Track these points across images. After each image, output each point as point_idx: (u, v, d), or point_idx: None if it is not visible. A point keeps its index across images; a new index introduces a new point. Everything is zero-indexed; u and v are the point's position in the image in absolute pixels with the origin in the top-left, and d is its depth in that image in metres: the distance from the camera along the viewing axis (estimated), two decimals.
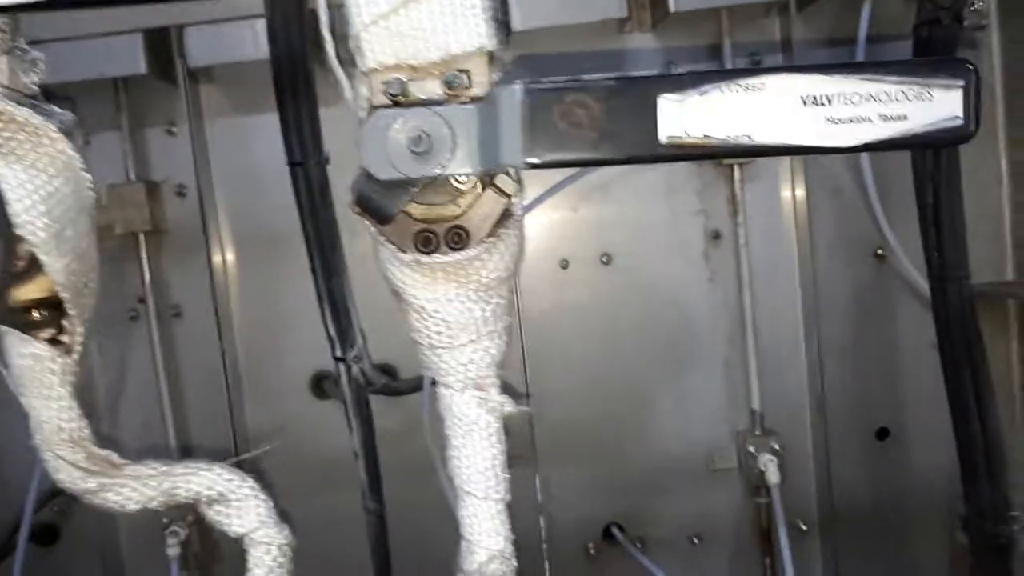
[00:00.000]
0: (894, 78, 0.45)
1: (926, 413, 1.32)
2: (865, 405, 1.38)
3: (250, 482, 0.73)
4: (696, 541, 1.40)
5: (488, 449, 0.73)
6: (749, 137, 0.47)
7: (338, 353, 1.13)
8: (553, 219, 1.34)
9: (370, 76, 0.61)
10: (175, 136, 1.32)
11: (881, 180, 1.27)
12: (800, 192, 1.34)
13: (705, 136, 0.47)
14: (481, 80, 0.58)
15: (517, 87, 0.49)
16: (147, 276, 1.34)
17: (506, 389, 0.75)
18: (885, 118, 0.46)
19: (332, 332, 1.13)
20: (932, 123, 0.46)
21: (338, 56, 0.61)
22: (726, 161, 1.30)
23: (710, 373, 1.39)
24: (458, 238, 0.64)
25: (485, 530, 0.74)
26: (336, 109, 1.18)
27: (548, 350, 1.34)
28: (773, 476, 1.32)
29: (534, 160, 0.50)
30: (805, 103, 0.46)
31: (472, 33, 0.57)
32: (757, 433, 1.37)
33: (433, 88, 0.59)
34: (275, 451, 1.38)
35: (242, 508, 0.71)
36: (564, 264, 1.36)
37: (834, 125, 0.46)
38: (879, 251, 1.35)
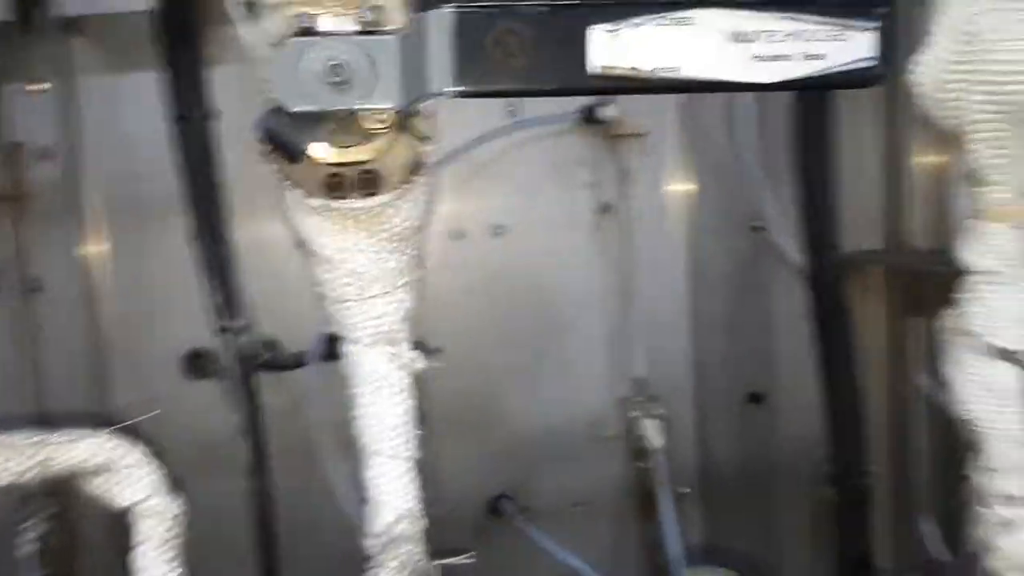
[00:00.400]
0: (815, 18, 0.47)
1: (797, 378, 1.39)
2: (740, 372, 1.45)
3: (141, 448, 0.68)
4: (579, 508, 1.42)
5: (399, 406, 0.71)
6: (676, 71, 0.47)
7: (224, 323, 1.07)
8: (446, 190, 1.32)
9: (278, 9, 0.57)
10: (40, 94, 1.22)
11: (763, 156, 1.33)
12: (687, 168, 1.39)
13: (633, 68, 0.47)
14: (396, 15, 0.56)
15: (448, 11, 0.48)
16: (6, 245, 1.23)
17: (416, 345, 0.73)
18: (805, 56, 0.47)
19: (217, 300, 1.07)
20: (847, 63, 0.48)
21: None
22: (616, 133, 1.32)
23: (596, 343, 1.42)
24: (370, 183, 0.62)
25: (393, 490, 0.72)
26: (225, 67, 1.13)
27: (438, 321, 1.32)
28: (656, 440, 1.36)
29: (464, 88, 0.49)
30: (732, 39, 0.47)
31: None
32: (640, 399, 1.41)
33: (345, 24, 0.57)
34: (145, 434, 1.30)
35: (131, 477, 0.66)
36: (458, 235, 1.35)
37: (758, 62, 0.47)
38: (755, 224, 1.41)
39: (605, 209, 1.38)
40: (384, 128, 0.58)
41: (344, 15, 0.57)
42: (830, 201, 1.25)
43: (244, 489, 1.23)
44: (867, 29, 0.47)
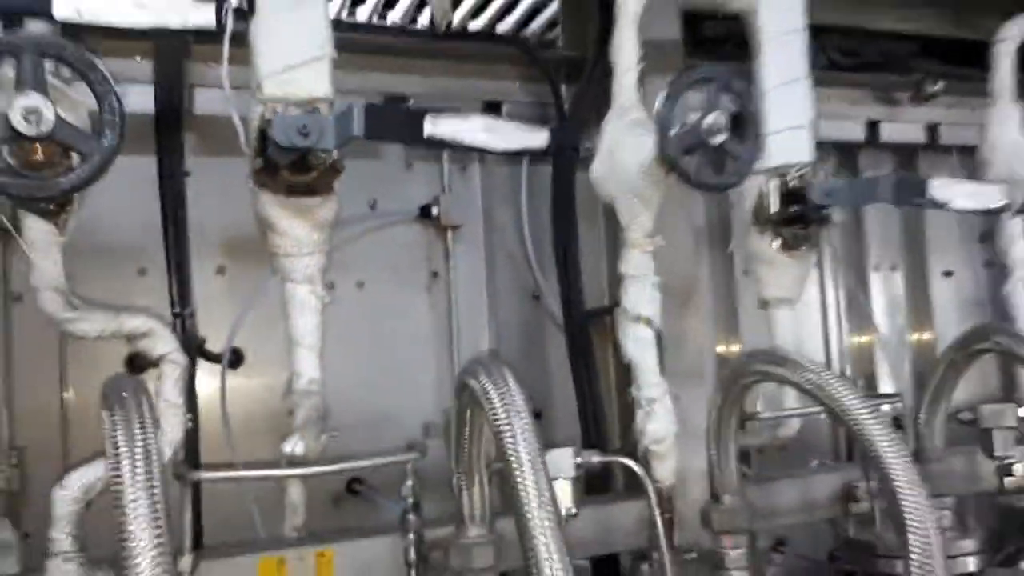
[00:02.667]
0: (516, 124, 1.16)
1: (564, 400, 2.01)
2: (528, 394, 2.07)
3: (165, 320, 1.23)
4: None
5: (314, 318, 1.29)
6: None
7: (175, 310, 1.60)
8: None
9: (265, 105, 1.20)
10: None
11: (538, 245, 2.04)
12: (488, 250, 2.07)
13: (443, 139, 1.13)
14: (327, 105, 1.21)
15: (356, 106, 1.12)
16: None
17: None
18: (520, 140, 1.16)
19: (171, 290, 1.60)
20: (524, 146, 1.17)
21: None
22: (442, 224, 1.99)
23: (425, 373, 2.01)
24: (312, 191, 1.24)
25: (308, 367, 1.29)
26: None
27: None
28: None
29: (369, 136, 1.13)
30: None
31: (323, 82, 1.20)
32: None
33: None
34: None
35: (163, 339, 1.20)
36: (329, 286, 1.93)
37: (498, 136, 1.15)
38: (536, 295, 2.10)
39: (434, 275, 2.03)
40: (321, 162, 1.21)
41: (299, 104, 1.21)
42: (576, 276, 1.95)
43: None
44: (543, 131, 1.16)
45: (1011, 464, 1.76)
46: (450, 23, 2.00)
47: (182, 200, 1.59)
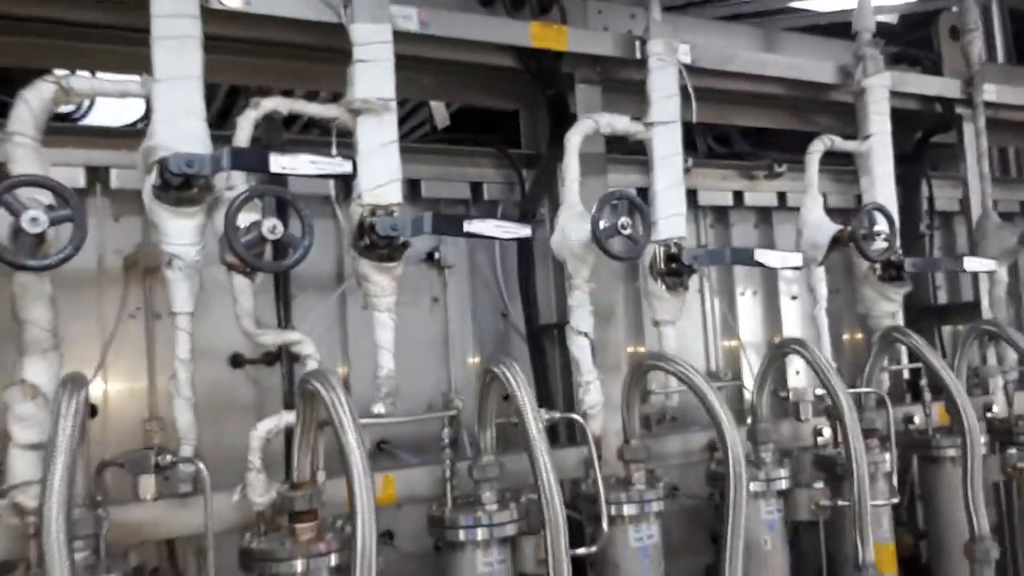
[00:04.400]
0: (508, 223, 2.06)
1: None
2: None
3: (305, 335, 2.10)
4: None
5: (390, 334, 2.17)
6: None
7: None
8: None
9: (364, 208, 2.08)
10: None
11: (507, 279, 2.94)
12: (472, 283, 2.96)
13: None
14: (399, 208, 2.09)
15: (427, 215, 1.99)
16: None
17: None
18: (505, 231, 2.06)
19: None
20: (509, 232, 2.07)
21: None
22: (442, 265, 2.88)
23: (428, 368, 2.89)
24: (392, 259, 2.13)
25: (388, 362, 2.17)
26: None
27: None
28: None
29: None
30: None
31: (398, 196, 2.08)
32: (450, 395, 2.87)
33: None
34: None
35: (308, 345, 2.06)
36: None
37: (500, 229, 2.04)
38: (504, 312, 3.00)
39: (435, 300, 2.92)
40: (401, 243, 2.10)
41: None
42: (534, 301, 2.86)
43: None
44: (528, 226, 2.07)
45: (822, 428, 2.78)
46: (447, 127, 2.91)
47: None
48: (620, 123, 2.52)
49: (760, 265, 2.47)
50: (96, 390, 2.42)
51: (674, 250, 2.49)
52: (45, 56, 2.29)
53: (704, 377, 2.18)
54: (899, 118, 3.56)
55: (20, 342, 1.80)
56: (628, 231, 2.22)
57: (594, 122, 2.48)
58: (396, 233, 2.04)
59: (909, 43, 3.81)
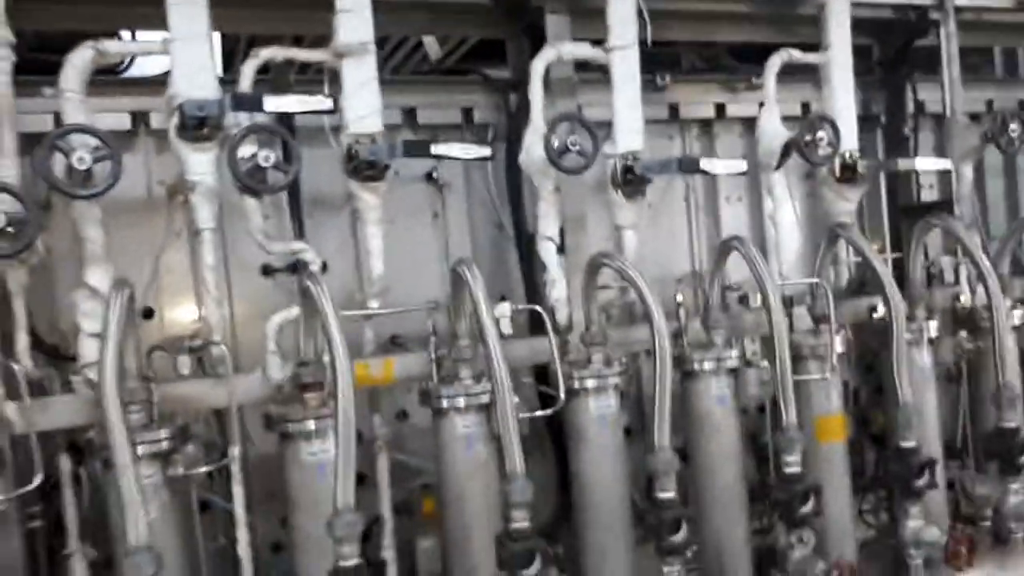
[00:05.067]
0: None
1: (517, 285, 3.34)
2: None
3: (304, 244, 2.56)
4: None
5: (379, 242, 2.62)
6: None
7: None
8: None
9: (350, 136, 2.51)
10: None
11: (500, 195, 3.34)
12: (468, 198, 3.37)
13: None
14: (381, 135, 2.51)
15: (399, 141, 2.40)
16: None
17: None
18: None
19: None
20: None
21: None
22: (440, 183, 3.29)
23: (432, 272, 3.33)
24: (375, 179, 2.56)
25: (379, 267, 2.63)
26: None
27: None
28: None
29: None
30: None
31: (378, 125, 2.49)
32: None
33: None
34: None
35: (309, 252, 2.53)
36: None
37: None
38: (499, 225, 3.40)
39: (436, 215, 3.34)
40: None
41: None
42: (522, 212, 3.24)
43: None
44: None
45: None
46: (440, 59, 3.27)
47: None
48: (581, 50, 2.86)
49: (706, 173, 2.80)
50: (152, 298, 2.96)
51: (630, 162, 2.83)
52: (90, 20, 2.74)
53: (638, 272, 2.56)
54: (881, 26, 3.76)
55: (82, 256, 2.32)
56: (577, 147, 2.58)
57: (556, 51, 2.82)
58: (375, 157, 2.46)
59: None
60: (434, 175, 3.31)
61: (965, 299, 3.49)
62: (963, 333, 3.28)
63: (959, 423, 3.58)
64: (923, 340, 3.22)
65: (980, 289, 3.35)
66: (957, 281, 3.56)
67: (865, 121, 3.81)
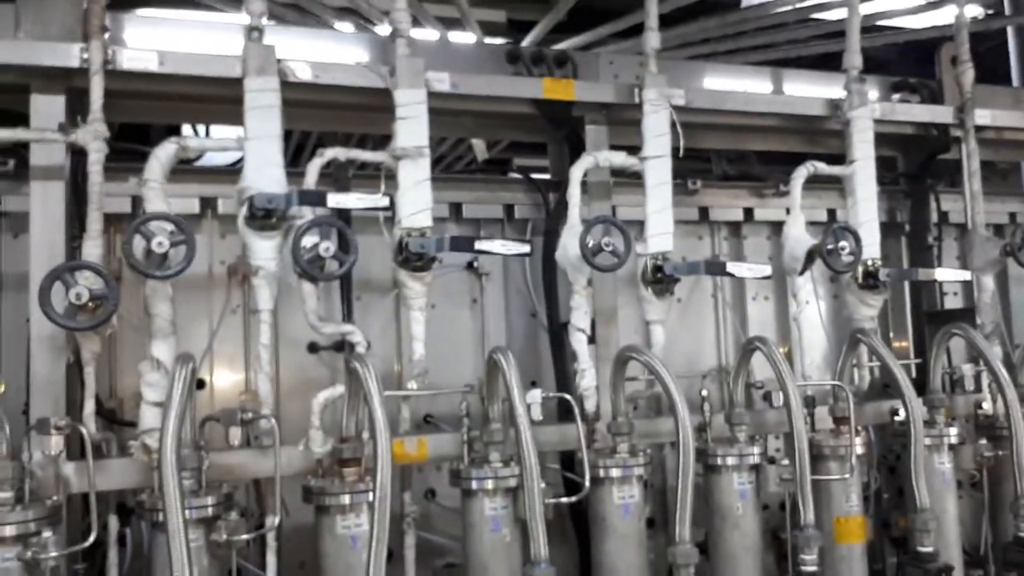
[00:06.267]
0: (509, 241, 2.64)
1: (547, 371, 3.48)
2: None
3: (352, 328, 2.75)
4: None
5: (422, 328, 2.80)
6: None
7: None
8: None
9: (403, 231, 2.72)
10: None
11: (535, 285, 3.52)
12: (505, 288, 3.55)
13: None
14: (430, 231, 2.72)
15: (447, 236, 2.59)
16: None
17: None
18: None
19: None
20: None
21: None
22: (480, 272, 3.49)
23: (468, 357, 3.49)
24: (423, 269, 2.76)
25: (420, 350, 2.80)
26: None
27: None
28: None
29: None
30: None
31: (428, 221, 2.70)
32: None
33: None
34: None
35: (357, 335, 2.71)
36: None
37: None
38: (533, 313, 3.58)
39: (474, 301, 3.53)
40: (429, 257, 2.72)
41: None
42: (555, 302, 3.42)
43: None
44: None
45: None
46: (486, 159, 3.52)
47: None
48: (617, 158, 3.07)
49: (731, 275, 2.96)
50: (204, 368, 3.15)
51: (660, 262, 3.01)
52: (176, 115, 3.03)
53: (664, 366, 2.70)
54: (905, 141, 3.96)
55: (150, 329, 2.52)
56: (611, 247, 2.77)
57: (594, 158, 3.04)
58: (424, 250, 2.66)
59: (914, 71, 4.18)
60: (475, 264, 3.51)
61: (987, 406, 3.56)
62: (983, 440, 3.34)
63: (983, 531, 3.61)
64: (943, 445, 3.29)
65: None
66: (979, 388, 3.64)
67: (890, 228, 4.01)
